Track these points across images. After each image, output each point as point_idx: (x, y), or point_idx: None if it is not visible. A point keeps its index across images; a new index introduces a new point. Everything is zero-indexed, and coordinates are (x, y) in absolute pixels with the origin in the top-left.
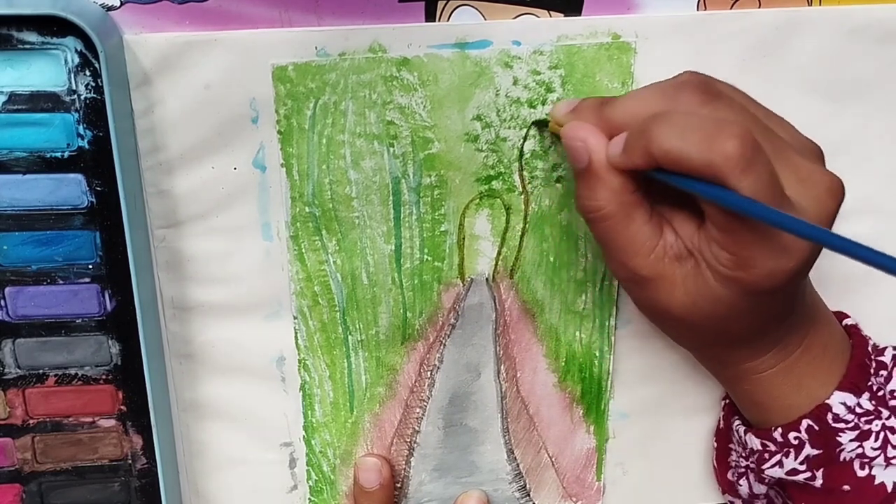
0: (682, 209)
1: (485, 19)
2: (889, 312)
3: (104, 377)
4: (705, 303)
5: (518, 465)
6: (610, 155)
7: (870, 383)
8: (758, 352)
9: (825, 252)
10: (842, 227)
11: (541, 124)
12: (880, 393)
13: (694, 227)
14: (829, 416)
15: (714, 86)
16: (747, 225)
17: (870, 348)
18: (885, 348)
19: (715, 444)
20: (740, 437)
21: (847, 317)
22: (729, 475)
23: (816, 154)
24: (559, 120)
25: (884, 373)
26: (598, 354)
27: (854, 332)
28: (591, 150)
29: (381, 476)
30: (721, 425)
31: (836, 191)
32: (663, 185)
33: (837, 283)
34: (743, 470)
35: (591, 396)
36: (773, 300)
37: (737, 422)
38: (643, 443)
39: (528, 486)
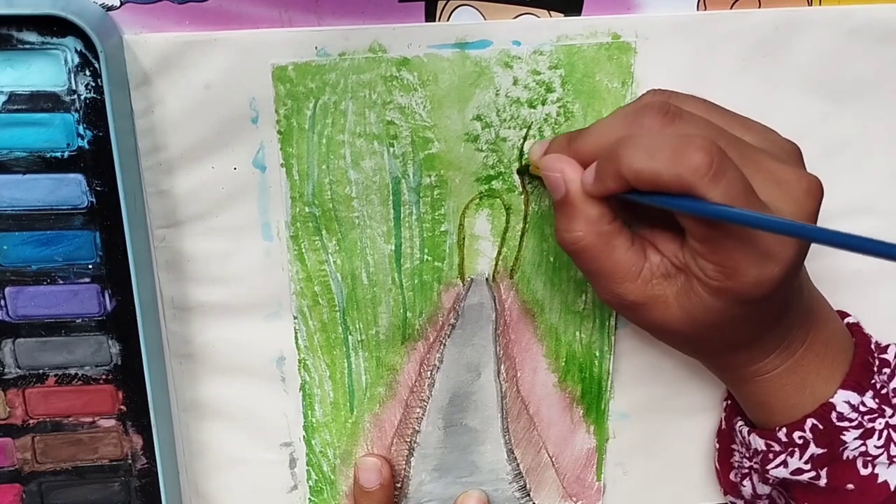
0: (662, 229)
1: (485, 19)
2: (889, 311)
3: (104, 377)
4: (701, 315)
5: (518, 465)
6: (584, 184)
7: (873, 381)
8: (760, 354)
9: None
10: (842, 227)
11: (522, 172)
12: (884, 391)
13: (678, 244)
14: (833, 415)
15: (674, 104)
16: (725, 233)
17: (873, 346)
18: (888, 346)
19: (717, 446)
20: (744, 437)
21: (848, 315)
22: (732, 476)
23: (793, 155)
24: (536, 161)
25: (887, 370)
26: (598, 354)
27: (856, 330)
28: (567, 181)
29: (381, 476)
30: (723, 426)
31: (814, 191)
32: (641, 209)
33: (838, 282)
34: (746, 471)
35: (591, 396)
36: (767, 305)
37: (740, 422)
38: (643, 443)
39: (528, 485)
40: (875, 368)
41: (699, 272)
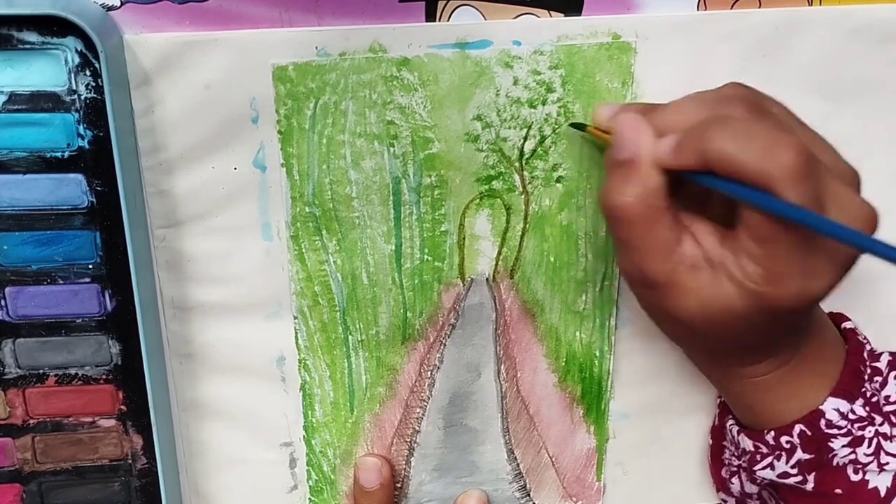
0: (706, 220)
1: (485, 19)
2: (889, 311)
3: (104, 377)
4: (719, 314)
5: (518, 465)
6: (660, 152)
7: (864, 389)
8: (753, 359)
9: None
10: None
11: (578, 126)
12: (874, 399)
13: (717, 238)
14: (822, 422)
15: (762, 103)
16: (787, 239)
17: (865, 354)
18: (881, 353)
19: (710, 441)
20: (733, 436)
21: (847, 319)
22: (722, 472)
23: (854, 180)
24: (603, 124)
25: (879, 379)
26: (598, 354)
27: (851, 336)
28: (641, 144)
29: (381, 476)
30: (716, 422)
31: (872, 221)
32: (687, 194)
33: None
34: (735, 469)
35: (591, 396)
36: (789, 318)
37: (730, 421)
38: (643, 443)
39: (528, 485)
40: (866, 377)
41: (739, 272)
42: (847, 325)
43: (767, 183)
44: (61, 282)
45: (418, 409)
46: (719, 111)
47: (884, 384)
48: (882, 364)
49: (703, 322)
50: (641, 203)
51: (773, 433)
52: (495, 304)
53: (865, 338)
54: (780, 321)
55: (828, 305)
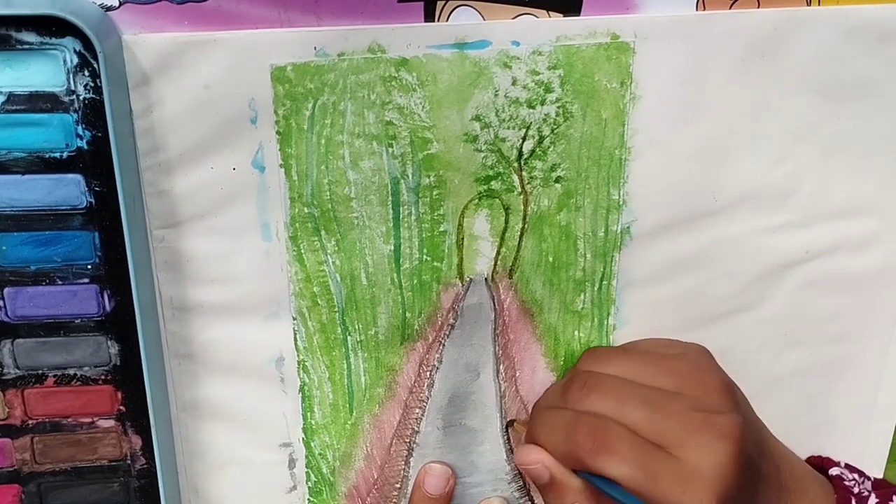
0: None
1: (484, 19)
2: (889, 311)
3: (103, 377)
4: None
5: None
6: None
7: None
8: None
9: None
10: (841, 227)
11: (511, 424)
12: None
13: None
14: None
15: (596, 371)
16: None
17: (854, 501)
18: (868, 496)
19: None
20: None
21: (834, 464)
22: None
23: (717, 394)
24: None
25: None
26: None
27: (839, 484)
28: (549, 465)
29: (448, 484)
30: None
31: (731, 433)
32: None
33: (838, 283)
34: None
35: None
36: None
37: None
38: None
39: (527, 485)
40: None
41: None
42: (833, 471)
43: (580, 463)
44: (60, 282)
45: (417, 410)
46: (563, 397)
47: None
48: None
49: None
50: (586, 498)
51: None
52: (494, 304)
53: (853, 479)
54: None
55: (828, 303)
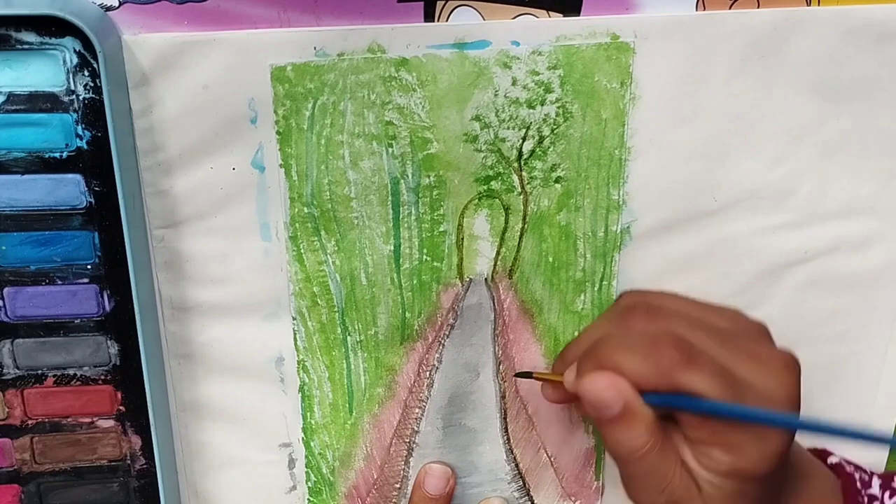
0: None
1: (483, 19)
2: (889, 311)
3: (103, 377)
4: (724, 500)
5: (517, 465)
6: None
7: None
8: None
9: (822, 253)
10: (840, 227)
11: (523, 375)
12: None
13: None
14: None
15: (652, 302)
16: (720, 419)
17: (858, 484)
18: (871, 478)
19: None
20: None
21: (830, 454)
22: None
23: (764, 334)
24: (571, 389)
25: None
26: None
27: (840, 471)
28: (623, 391)
29: (448, 485)
30: None
31: (792, 365)
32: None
33: (838, 283)
34: None
35: None
36: (772, 478)
37: None
38: None
39: (527, 485)
40: None
41: (708, 461)
42: (832, 459)
43: (666, 378)
44: (60, 282)
45: (417, 410)
46: (622, 324)
47: None
48: (875, 489)
49: None
50: (655, 435)
51: None
52: (494, 304)
53: (853, 465)
54: (765, 484)
55: (827, 303)
